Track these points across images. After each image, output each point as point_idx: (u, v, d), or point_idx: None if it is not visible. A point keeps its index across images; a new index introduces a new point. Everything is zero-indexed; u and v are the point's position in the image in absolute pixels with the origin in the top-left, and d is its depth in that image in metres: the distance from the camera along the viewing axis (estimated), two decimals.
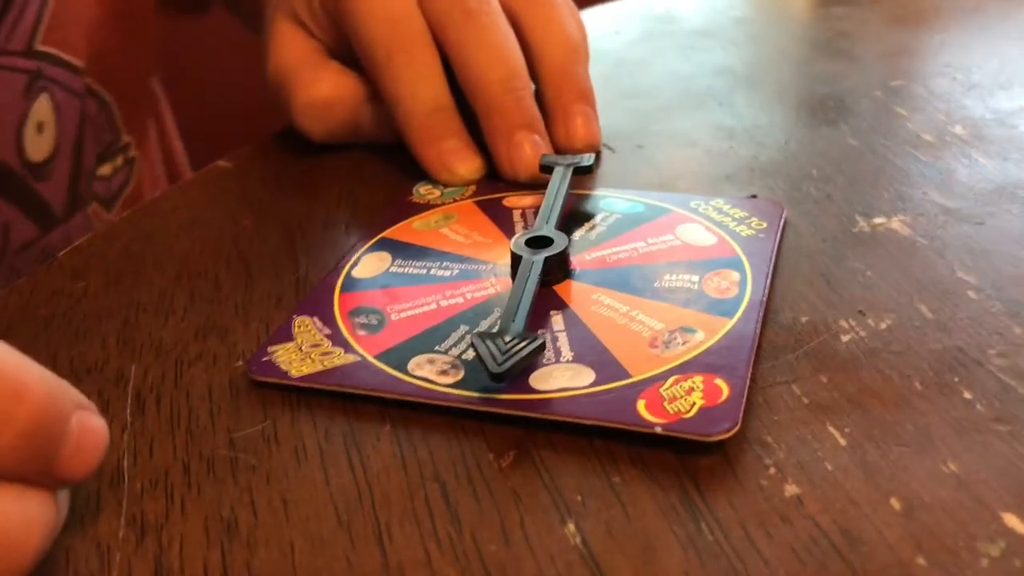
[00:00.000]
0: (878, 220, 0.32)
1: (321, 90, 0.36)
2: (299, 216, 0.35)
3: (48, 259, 0.33)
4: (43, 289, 0.32)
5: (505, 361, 0.24)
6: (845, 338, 0.26)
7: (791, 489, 0.22)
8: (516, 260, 0.29)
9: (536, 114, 0.35)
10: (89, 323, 0.30)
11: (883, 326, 0.27)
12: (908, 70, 0.42)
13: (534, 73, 0.36)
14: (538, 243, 0.29)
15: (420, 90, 0.35)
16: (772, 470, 0.22)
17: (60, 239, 0.43)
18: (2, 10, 0.39)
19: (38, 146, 0.41)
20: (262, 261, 0.32)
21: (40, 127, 0.41)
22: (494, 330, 0.26)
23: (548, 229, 0.30)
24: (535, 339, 0.25)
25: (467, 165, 0.35)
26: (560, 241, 0.29)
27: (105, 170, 0.46)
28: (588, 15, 0.49)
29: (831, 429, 0.23)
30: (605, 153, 0.37)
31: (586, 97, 0.36)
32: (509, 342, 0.25)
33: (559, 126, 0.36)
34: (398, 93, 0.35)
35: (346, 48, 0.37)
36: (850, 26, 0.49)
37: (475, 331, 0.26)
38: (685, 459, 0.23)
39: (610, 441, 0.24)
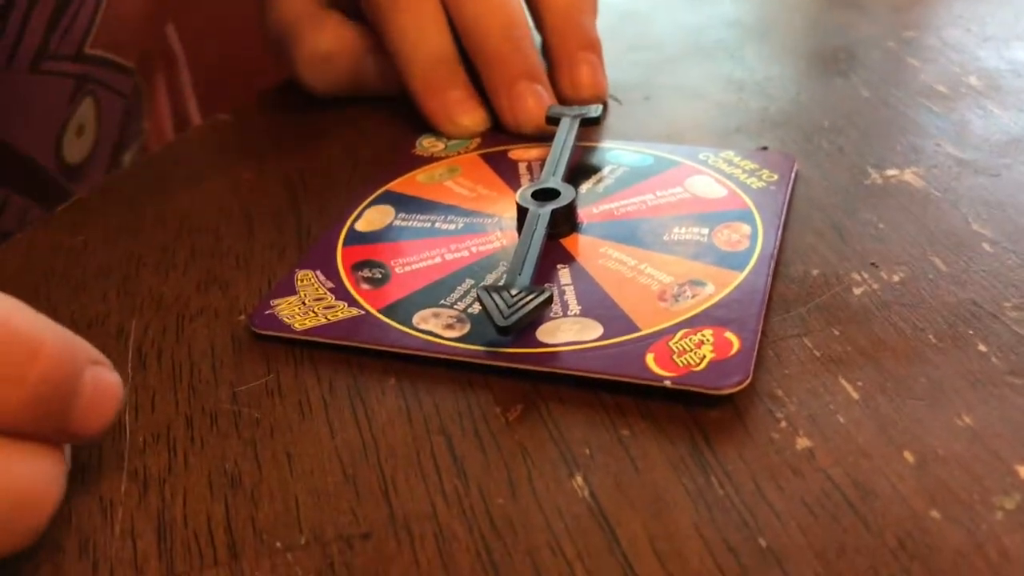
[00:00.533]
0: (891, 172, 0.31)
1: (323, 43, 0.35)
2: (301, 169, 0.34)
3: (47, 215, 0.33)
4: (42, 244, 0.31)
5: (512, 315, 0.24)
6: (857, 291, 0.26)
7: (803, 442, 0.22)
8: (522, 213, 0.28)
9: (538, 63, 0.34)
10: (89, 278, 0.29)
11: (896, 279, 0.26)
12: (921, 21, 0.42)
13: (538, 23, 0.35)
14: (545, 196, 0.29)
15: (424, 41, 0.34)
16: (783, 423, 0.22)
17: None
18: (56, 14, 0.38)
19: (76, 149, 0.40)
20: (263, 215, 0.32)
21: (80, 130, 0.40)
22: (500, 284, 0.25)
23: (555, 181, 0.29)
24: (542, 292, 0.24)
25: (471, 116, 0.34)
26: (567, 194, 0.28)
27: (127, 157, 0.46)
28: None
29: (843, 382, 0.23)
30: (612, 105, 0.36)
31: (592, 46, 0.35)
32: (516, 295, 0.24)
33: (564, 75, 0.35)
34: (402, 44, 0.34)
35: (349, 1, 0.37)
36: None
37: (481, 285, 0.26)
38: (695, 412, 0.23)
39: (618, 395, 0.23)
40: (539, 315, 0.25)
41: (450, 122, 0.34)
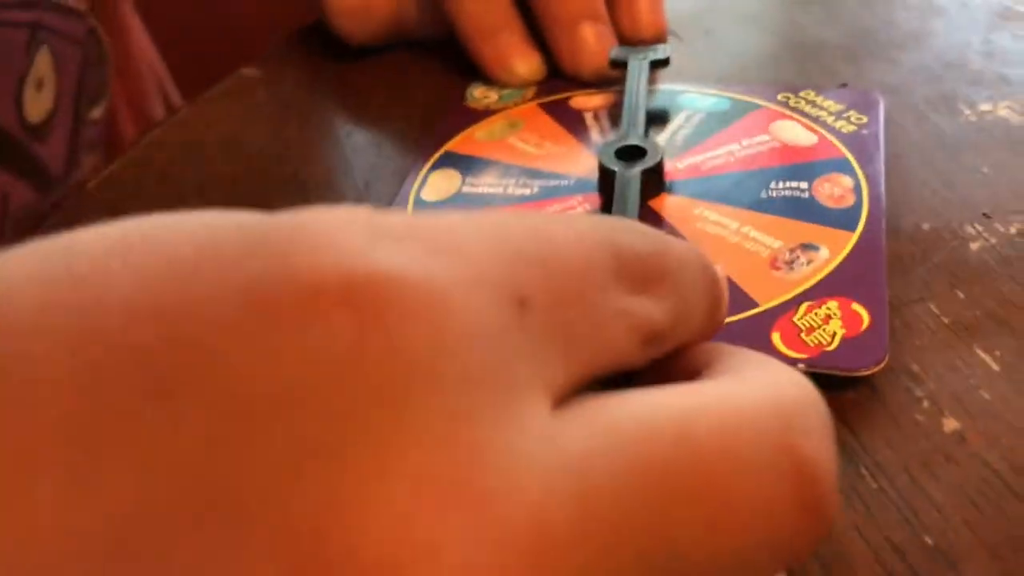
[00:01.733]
0: (984, 107, 0.29)
1: None
2: (346, 127, 0.32)
3: (80, 189, 0.30)
4: (80, 226, 0.29)
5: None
6: (974, 246, 0.24)
7: (950, 424, 0.20)
8: (605, 174, 0.26)
9: (599, 2, 0.32)
10: None
11: (1013, 230, 0.25)
12: None
13: None
14: (628, 154, 0.26)
15: None
16: (926, 403, 0.21)
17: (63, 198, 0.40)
18: None
19: (37, 106, 0.37)
20: (316, 181, 0.29)
21: (39, 84, 0.37)
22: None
23: (636, 136, 0.27)
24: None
25: (527, 63, 0.32)
26: (653, 151, 0.26)
27: (96, 113, 0.43)
28: None
29: (980, 352, 0.22)
30: (671, 42, 0.34)
31: None
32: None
33: (623, 14, 0.33)
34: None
35: None
36: None
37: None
38: (830, 395, 0.21)
39: None
40: None
41: (504, 69, 0.32)
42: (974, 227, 0.25)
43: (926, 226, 0.25)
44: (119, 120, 0.47)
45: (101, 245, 0.12)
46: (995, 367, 0.21)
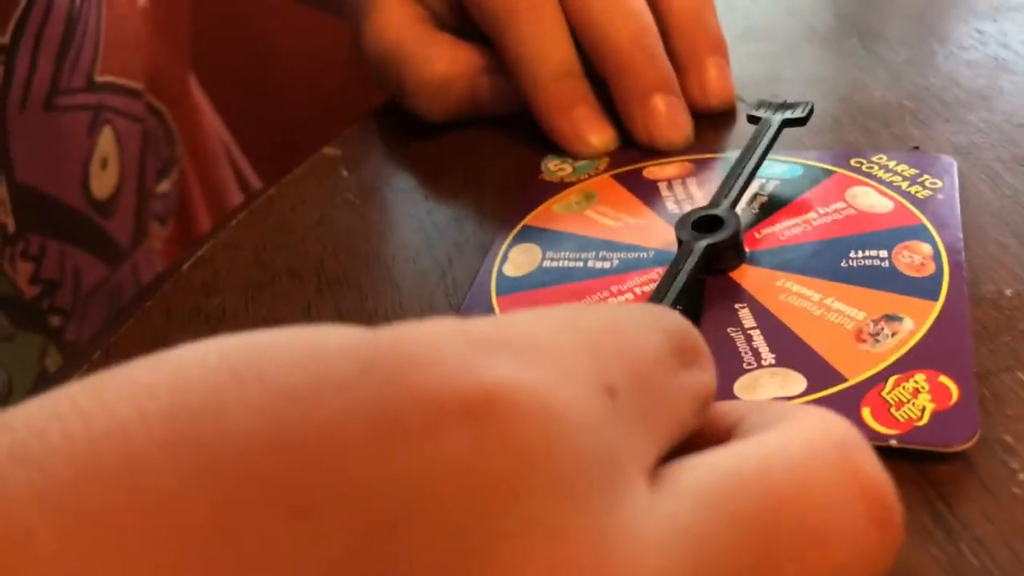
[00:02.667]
0: None
1: (437, 68, 0.34)
2: (427, 204, 0.33)
3: (174, 271, 0.32)
4: (178, 311, 0.30)
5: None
6: None
7: None
8: (682, 247, 0.27)
9: (672, 74, 0.33)
10: None
11: None
12: None
13: (661, 26, 0.34)
14: (706, 225, 0.27)
15: (548, 53, 0.32)
16: (1022, 476, 0.21)
17: (128, 273, 0.42)
18: (63, 48, 0.36)
19: (103, 183, 0.39)
20: (401, 259, 0.31)
21: (104, 163, 0.39)
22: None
23: (723, 206, 0.28)
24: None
25: (600, 135, 0.33)
26: (731, 222, 0.27)
27: (164, 187, 0.44)
28: None
29: None
30: (741, 108, 0.35)
31: (720, 48, 0.34)
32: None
33: (692, 83, 0.33)
34: (524, 57, 0.33)
35: (457, 12, 0.35)
36: None
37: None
38: (923, 468, 0.21)
39: None
40: None
41: (579, 141, 0.33)
42: None
43: (1009, 291, 0.25)
44: (190, 193, 0.49)
45: (208, 378, 0.12)
46: None
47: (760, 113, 0.31)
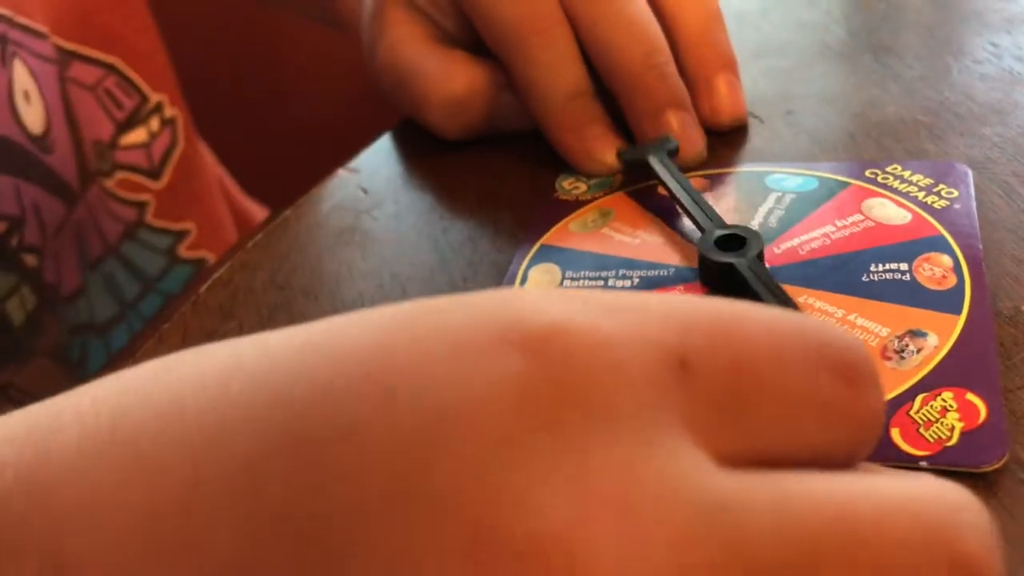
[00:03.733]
0: None
1: (455, 87, 0.34)
2: (441, 224, 0.33)
3: (190, 296, 0.32)
4: (195, 334, 0.30)
5: None
6: None
7: None
8: (709, 264, 0.27)
9: (683, 91, 0.33)
10: None
11: None
12: None
13: (671, 43, 0.34)
14: (727, 242, 0.27)
15: (559, 73, 0.33)
16: None
17: (85, 215, 0.41)
18: None
19: (32, 117, 0.38)
20: (419, 282, 0.31)
21: (27, 96, 0.38)
22: None
23: (720, 225, 0.28)
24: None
25: (612, 153, 0.33)
26: (754, 239, 0.27)
27: (136, 137, 0.44)
28: None
29: None
30: (753, 123, 0.35)
31: (730, 64, 0.34)
32: None
33: (703, 99, 0.33)
34: (535, 78, 0.33)
35: (469, 31, 0.35)
36: None
37: None
38: None
39: None
40: None
41: (590, 159, 0.33)
42: None
43: None
44: (193, 147, 0.48)
45: (248, 384, 0.14)
46: None
47: (635, 157, 0.32)
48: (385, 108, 0.38)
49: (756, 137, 0.34)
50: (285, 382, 0.14)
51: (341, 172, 0.37)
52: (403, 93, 0.35)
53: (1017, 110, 0.33)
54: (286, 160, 0.53)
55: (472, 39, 0.35)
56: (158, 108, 0.45)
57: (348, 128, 0.41)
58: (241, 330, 0.30)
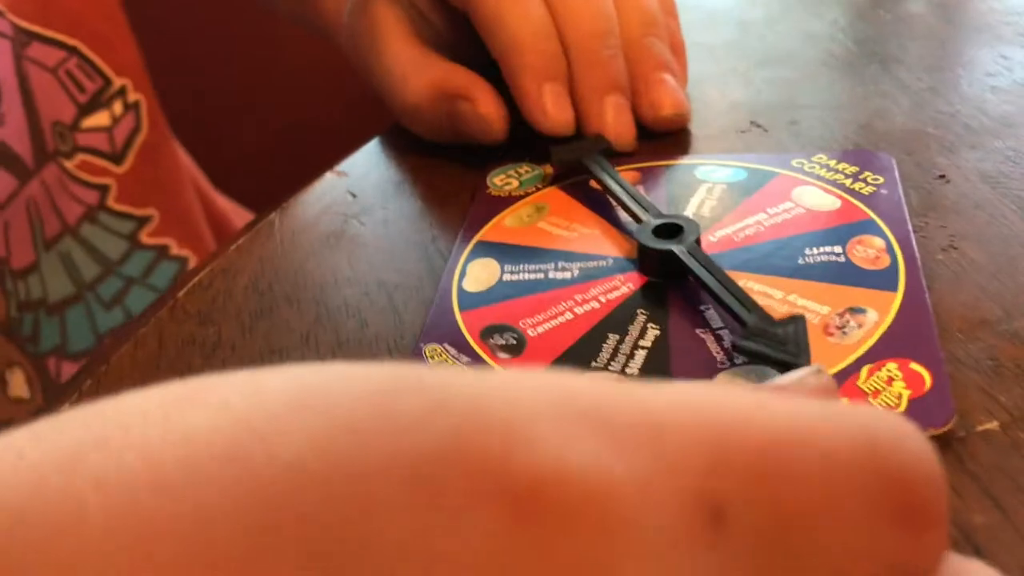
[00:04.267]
0: None
1: (407, 95, 0.34)
2: (431, 231, 0.32)
3: (166, 302, 0.31)
4: (172, 339, 0.29)
5: (796, 347, 0.22)
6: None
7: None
8: (649, 253, 0.27)
9: (627, 78, 0.33)
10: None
11: None
12: None
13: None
14: (665, 231, 0.27)
15: (529, 13, 0.32)
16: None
17: (41, 193, 0.40)
18: None
19: None
20: (407, 290, 0.29)
21: None
22: (749, 331, 0.23)
23: (658, 214, 0.28)
24: (793, 317, 0.23)
25: (563, 116, 0.33)
26: (691, 227, 0.27)
27: (97, 120, 0.43)
28: None
29: None
30: (757, 133, 0.34)
31: (666, 66, 0.34)
32: (775, 331, 0.23)
33: (641, 97, 0.34)
34: (508, 34, 0.32)
35: (454, 25, 0.35)
36: None
37: (738, 342, 0.23)
38: (957, 520, 0.20)
39: None
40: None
41: (541, 112, 0.33)
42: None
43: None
44: (159, 132, 0.47)
45: (280, 395, 0.11)
46: None
47: (572, 158, 0.32)
48: (376, 111, 0.37)
49: (760, 147, 0.33)
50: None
51: (329, 175, 0.35)
52: (383, 92, 0.35)
53: (994, 104, 0.32)
54: (275, 161, 0.52)
55: (456, 35, 0.35)
56: (121, 92, 0.44)
57: (338, 129, 0.40)
58: (219, 337, 0.29)
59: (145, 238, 0.45)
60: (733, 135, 0.34)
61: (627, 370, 0.24)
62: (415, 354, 0.26)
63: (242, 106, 0.65)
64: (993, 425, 0.21)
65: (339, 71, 0.47)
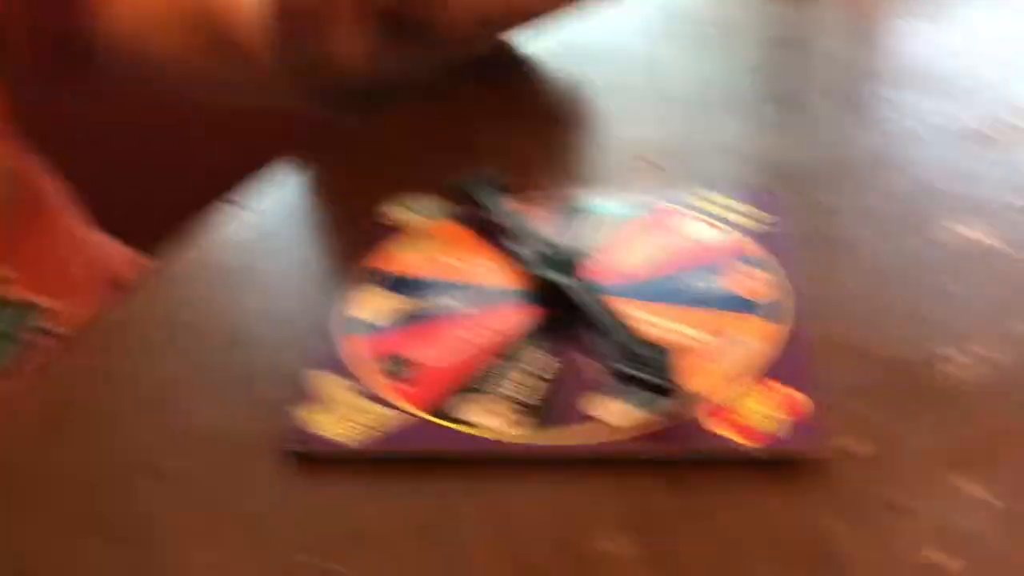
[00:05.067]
0: (959, 228, 0.30)
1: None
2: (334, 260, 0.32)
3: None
4: (67, 371, 0.29)
5: (668, 372, 0.23)
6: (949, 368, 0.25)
7: None
8: (544, 285, 0.28)
9: None
10: (121, 407, 0.27)
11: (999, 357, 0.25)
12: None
13: None
14: (554, 263, 0.28)
15: None
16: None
17: None
18: None
19: None
20: (311, 319, 0.29)
21: None
22: (623, 360, 0.24)
23: (550, 247, 0.29)
24: (664, 344, 0.24)
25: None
26: (579, 257, 0.28)
27: None
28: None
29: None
30: (650, 170, 0.35)
31: None
32: (650, 356, 0.24)
33: None
34: None
35: None
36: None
37: (614, 369, 0.24)
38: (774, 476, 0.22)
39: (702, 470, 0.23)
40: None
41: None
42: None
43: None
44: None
45: None
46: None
47: (454, 188, 0.32)
48: (279, 139, 0.37)
49: (654, 183, 0.34)
50: None
51: (227, 207, 0.35)
52: None
53: (904, 160, 0.33)
54: (172, 196, 0.49)
55: None
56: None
57: (241, 160, 0.40)
58: (122, 366, 0.29)
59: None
60: (627, 171, 0.35)
61: (518, 397, 0.25)
62: (302, 382, 0.26)
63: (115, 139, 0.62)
64: (863, 448, 0.23)
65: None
